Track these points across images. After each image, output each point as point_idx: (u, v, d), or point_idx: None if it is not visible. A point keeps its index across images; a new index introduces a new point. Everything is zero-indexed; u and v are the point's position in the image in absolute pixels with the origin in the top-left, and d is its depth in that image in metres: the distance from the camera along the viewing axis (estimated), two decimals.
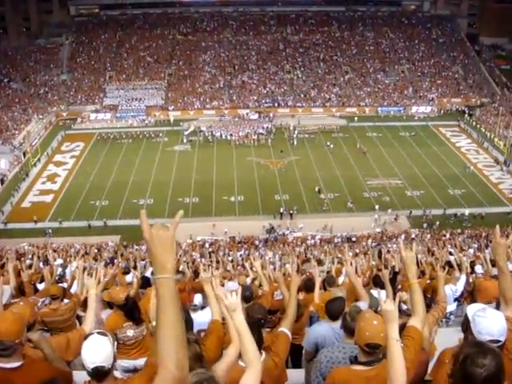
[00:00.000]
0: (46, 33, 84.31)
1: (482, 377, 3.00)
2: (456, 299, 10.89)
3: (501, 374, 3.09)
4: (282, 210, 46.01)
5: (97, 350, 3.92)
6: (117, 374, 4.21)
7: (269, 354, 4.92)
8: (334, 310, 6.41)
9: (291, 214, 45.62)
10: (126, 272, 15.03)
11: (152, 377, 4.54)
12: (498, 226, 4.90)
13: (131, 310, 6.28)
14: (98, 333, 4.10)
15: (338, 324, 6.31)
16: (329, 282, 10.16)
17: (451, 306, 10.79)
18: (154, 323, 5.29)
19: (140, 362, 5.63)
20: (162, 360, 2.48)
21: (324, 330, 6.29)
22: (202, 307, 7.83)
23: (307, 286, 10.84)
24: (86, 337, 4.12)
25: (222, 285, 13.70)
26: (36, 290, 11.15)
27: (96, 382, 3.97)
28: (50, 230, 43.83)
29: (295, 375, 6.37)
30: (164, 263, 2.60)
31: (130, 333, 6.28)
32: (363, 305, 6.86)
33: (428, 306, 6.51)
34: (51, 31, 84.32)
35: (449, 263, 15.10)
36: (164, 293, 2.55)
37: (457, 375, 3.15)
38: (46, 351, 4.48)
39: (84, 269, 16.38)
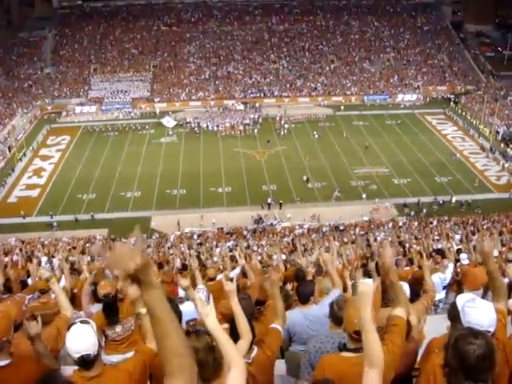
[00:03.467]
0: (28, 26, 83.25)
1: (475, 354, 3.04)
2: (445, 287, 10.96)
3: (493, 355, 3.12)
4: (269, 201, 46.03)
5: (81, 339, 3.95)
6: None
7: (262, 348, 4.93)
8: (302, 292, 6.51)
9: (280, 204, 45.66)
10: None
11: (143, 360, 4.57)
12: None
13: (107, 309, 6.26)
14: (81, 321, 4.12)
15: (308, 309, 6.35)
16: (316, 271, 10.20)
17: (440, 294, 10.86)
18: (141, 311, 5.31)
19: (129, 355, 5.61)
20: (171, 369, 2.40)
21: (294, 315, 6.36)
22: (188, 298, 7.84)
23: (297, 276, 10.88)
24: (68, 327, 4.13)
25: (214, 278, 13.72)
26: (24, 286, 11.11)
27: (84, 370, 3.99)
28: (56, 223, 43.75)
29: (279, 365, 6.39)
30: (148, 279, 2.40)
31: (119, 329, 6.26)
32: (336, 292, 6.90)
33: (417, 295, 6.55)
34: (33, 24, 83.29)
35: (437, 251, 15.19)
36: (157, 307, 2.41)
37: (450, 357, 3.17)
38: (38, 347, 4.47)
39: (69, 262, 16.36)
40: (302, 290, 6.61)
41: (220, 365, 3.60)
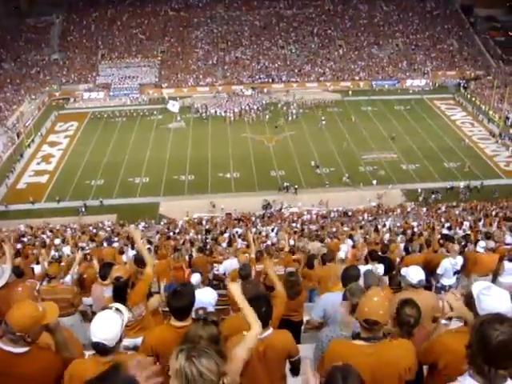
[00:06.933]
0: (35, 11, 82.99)
1: (497, 339, 3.02)
2: (455, 273, 10.92)
3: None
4: (286, 185, 46.13)
5: (105, 326, 3.98)
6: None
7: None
8: (347, 276, 6.47)
9: (296, 189, 45.78)
10: (122, 252, 15.08)
11: (150, 346, 4.67)
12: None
13: (117, 293, 6.28)
14: (116, 309, 4.15)
15: None
16: (328, 257, 10.24)
17: (451, 280, 10.85)
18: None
19: (139, 340, 5.68)
20: None
21: (334, 297, 6.29)
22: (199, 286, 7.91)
23: (309, 263, 10.95)
24: (103, 308, 4.17)
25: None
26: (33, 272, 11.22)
27: (99, 355, 4.01)
28: (84, 209, 44.01)
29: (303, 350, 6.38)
30: None
31: (129, 314, 6.31)
32: None
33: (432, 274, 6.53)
34: (41, 10, 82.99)
35: (445, 236, 15.18)
36: None
37: (473, 339, 3.17)
38: (58, 338, 4.48)
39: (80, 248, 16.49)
40: (346, 272, 6.57)
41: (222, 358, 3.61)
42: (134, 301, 6.36)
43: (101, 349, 4.00)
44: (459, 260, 10.73)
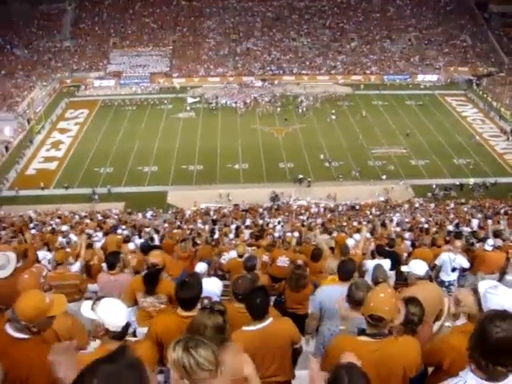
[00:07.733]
0: None
1: (496, 336, 3.01)
2: (454, 269, 10.83)
3: None
4: (300, 177, 46.13)
5: (117, 311, 4.04)
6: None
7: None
8: (344, 269, 6.48)
9: (309, 182, 45.85)
10: (127, 240, 15.03)
11: (155, 333, 4.68)
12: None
13: (149, 278, 6.34)
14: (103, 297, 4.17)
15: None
16: (344, 251, 10.25)
17: (449, 277, 10.80)
18: None
19: None
20: None
21: (332, 290, 6.28)
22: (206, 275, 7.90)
23: (314, 256, 10.93)
24: (96, 300, 4.18)
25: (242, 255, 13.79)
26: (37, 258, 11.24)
27: (118, 340, 4.04)
28: (97, 196, 44.13)
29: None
30: None
31: (150, 299, 6.38)
32: None
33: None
34: None
35: (454, 233, 15.11)
36: None
37: (474, 333, 3.17)
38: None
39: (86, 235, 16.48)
40: (343, 266, 6.57)
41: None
42: (160, 290, 6.43)
43: (124, 331, 4.06)
44: (459, 258, 10.65)
